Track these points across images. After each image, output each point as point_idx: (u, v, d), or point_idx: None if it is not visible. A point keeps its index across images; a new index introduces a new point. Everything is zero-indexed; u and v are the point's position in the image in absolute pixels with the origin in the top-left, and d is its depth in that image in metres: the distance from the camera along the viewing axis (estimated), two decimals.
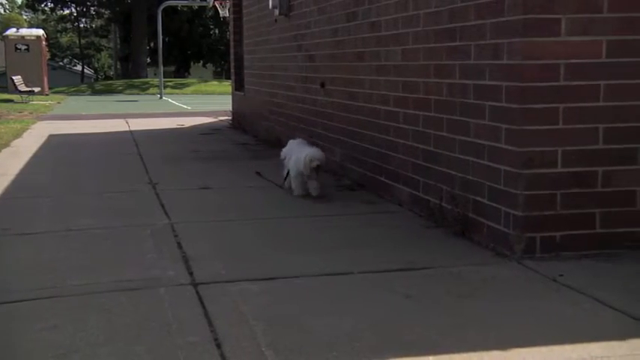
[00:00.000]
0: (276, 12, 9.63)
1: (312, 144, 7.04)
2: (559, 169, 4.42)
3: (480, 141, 4.88)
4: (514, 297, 3.80)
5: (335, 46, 7.74)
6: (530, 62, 4.35)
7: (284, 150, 6.88)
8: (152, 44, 43.57)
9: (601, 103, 4.40)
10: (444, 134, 5.38)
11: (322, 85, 8.16)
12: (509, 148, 4.53)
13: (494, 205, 4.70)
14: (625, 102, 4.40)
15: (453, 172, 5.25)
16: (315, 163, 6.31)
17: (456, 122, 5.21)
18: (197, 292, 3.95)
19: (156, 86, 30.54)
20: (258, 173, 7.82)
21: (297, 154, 6.49)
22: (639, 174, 4.46)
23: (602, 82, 4.38)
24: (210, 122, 15.18)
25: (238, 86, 13.70)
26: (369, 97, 6.83)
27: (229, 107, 14.86)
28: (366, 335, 3.32)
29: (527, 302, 3.71)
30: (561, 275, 4.07)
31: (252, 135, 11.99)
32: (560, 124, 4.40)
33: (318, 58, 8.40)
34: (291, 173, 6.57)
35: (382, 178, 6.52)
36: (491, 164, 4.75)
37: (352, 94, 7.27)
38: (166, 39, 40.99)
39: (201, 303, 3.77)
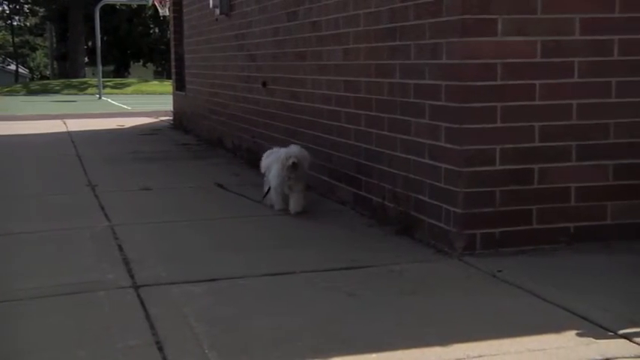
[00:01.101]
0: (217, 11, 9.56)
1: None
2: (497, 167, 4.51)
3: (420, 140, 4.94)
4: (455, 293, 3.86)
5: (276, 46, 7.73)
6: (468, 62, 4.42)
7: (264, 162, 6.08)
8: (90, 43, 42.71)
9: (537, 102, 4.50)
10: (386, 133, 5.43)
11: (264, 84, 8.14)
12: (450, 146, 4.59)
13: (435, 202, 4.77)
14: (558, 101, 4.52)
15: (395, 171, 5.30)
16: (291, 161, 5.58)
17: (397, 121, 5.26)
18: (138, 295, 3.89)
19: (95, 86, 29.95)
20: (219, 185, 7.00)
21: (277, 161, 5.77)
22: (573, 170, 4.58)
23: (537, 82, 4.49)
24: (151, 122, 14.98)
25: (179, 86, 13.55)
26: (311, 96, 6.84)
27: (170, 107, 14.68)
28: (309, 334, 3.33)
29: (467, 298, 3.78)
30: (500, 271, 4.15)
31: (193, 135, 11.87)
32: (498, 123, 4.48)
33: (259, 58, 8.37)
34: (272, 184, 5.81)
35: (325, 178, 6.54)
36: (432, 162, 4.81)
37: (294, 93, 7.27)
38: (104, 38, 40.23)
39: (143, 306, 3.72)
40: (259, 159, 8.27)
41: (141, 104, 22.69)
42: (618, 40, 4.49)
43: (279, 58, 7.69)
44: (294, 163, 5.58)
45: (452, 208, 4.58)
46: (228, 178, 7.52)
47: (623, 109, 4.57)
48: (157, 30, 46.91)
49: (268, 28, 7.95)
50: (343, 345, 3.19)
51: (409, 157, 5.10)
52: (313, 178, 6.81)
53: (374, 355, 3.07)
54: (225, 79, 9.92)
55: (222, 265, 4.45)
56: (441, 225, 4.69)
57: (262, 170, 6.08)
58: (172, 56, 14.09)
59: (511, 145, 4.51)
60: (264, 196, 5.99)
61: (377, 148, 5.57)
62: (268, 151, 6.16)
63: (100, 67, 28.52)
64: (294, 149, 5.74)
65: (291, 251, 4.74)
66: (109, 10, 39.81)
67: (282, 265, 4.41)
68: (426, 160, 4.87)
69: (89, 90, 31.24)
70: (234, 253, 4.73)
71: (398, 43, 5.18)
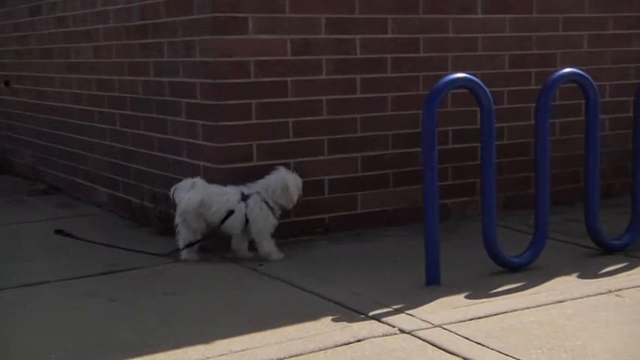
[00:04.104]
0: None
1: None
2: (255, 163, 4.60)
3: (178, 138, 4.90)
4: (218, 290, 3.88)
5: (19, 42, 7.23)
6: (221, 59, 4.46)
7: (190, 200, 4.26)
8: None
9: (289, 99, 4.66)
10: (142, 132, 5.31)
11: (7, 83, 7.59)
12: (207, 144, 4.60)
13: None
14: (310, 97, 4.71)
15: (154, 171, 5.20)
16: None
17: (153, 120, 5.17)
18: None
19: None
20: (59, 231, 4.83)
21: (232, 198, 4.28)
22: (326, 164, 4.80)
23: (289, 79, 4.64)
24: None
25: None
26: (60, 96, 6.49)
27: None
28: (69, 344, 3.17)
29: (229, 294, 3.81)
30: (261, 265, 4.24)
31: None
32: (253, 119, 4.57)
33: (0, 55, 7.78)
34: (233, 231, 4.33)
35: (79, 180, 6.25)
36: (190, 161, 4.79)
37: (42, 93, 6.85)
38: None
39: None
40: (5, 163, 7.72)
41: None
42: (359, 38, 4.79)
43: (22, 56, 7.20)
44: None
45: None
46: None
47: (367, 104, 4.87)
48: None
49: (8, 23, 7.41)
50: (106, 351, 3.08)
51: (167, 156, 5.03)
52: (65, 181, 6.48)
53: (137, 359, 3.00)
54: None
55: None
56: None
57: (192, 207, 4.27)
58: None
59: (267, 141, 4.63)
60: (189, 246, 4.34)
61: (133, 148, 5.43)
62: (199, 183, 4.36)
63: None
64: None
65: (46, 260, 4.47)
66: None
67: (38, 274, 4.14)
68: (185, 159, 4.85)
69: None
70: None
71: (150, 40, 5.08)
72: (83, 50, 6.01)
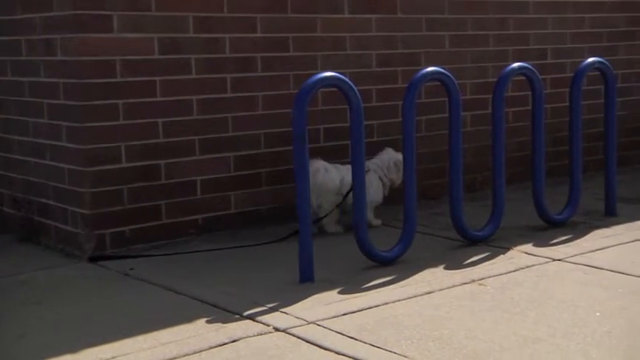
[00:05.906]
0: None
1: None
2: (124, 164, 4.47)
3: (40, 140, 4.70)
4: (86, 297, 3.74)
5: None
6: (85, 58, 4.30)
7: (334, 180, 4.75)
8: None
9: (158, 99, 4.56)
10: (0, 135, 5.04)
11: None
12: (72, 146, 4.44)
13: (61, 205, 4.58)
14: (179, 97, 4.63)
15: (13, 175, 4.96)
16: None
17: (12, 122, 4.93)
18: None
19: None
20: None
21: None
22: (197, 164, 4.74)
23: (157, 78, 4.54)
24: None
25: None
26: None
27: None
28: None
29: (99, 300, 3.69)
30: (132, 269, 4.13)
31: None
32: (121, 120, 4.45)
33: None
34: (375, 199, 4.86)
35: None
36: (54, 164, 4.60)
37: None
38: None
39: None
40: None
41: None
42: (229, 38, 4.76)
43: None
44: None
45: (79, 210, 4.43)
46: None
47: (237, 104, 4.85)
48: None
49: None
50: None
51: (28, 159, 4.81)
52: None
53: None
54: None
55: None
56: (69, 228, 4.51)
57: (337, 186, 4.74)
58: None
59: (136, 142, 4.51)
60: (323, 218, 4.73)
61: None
62: (327, 164, 4.81)
63: None
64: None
65: None
66: None
67: None
68: (48, 162, 4.65)
69: None
70: None
71: (6, 38, 4.84)
72: None
